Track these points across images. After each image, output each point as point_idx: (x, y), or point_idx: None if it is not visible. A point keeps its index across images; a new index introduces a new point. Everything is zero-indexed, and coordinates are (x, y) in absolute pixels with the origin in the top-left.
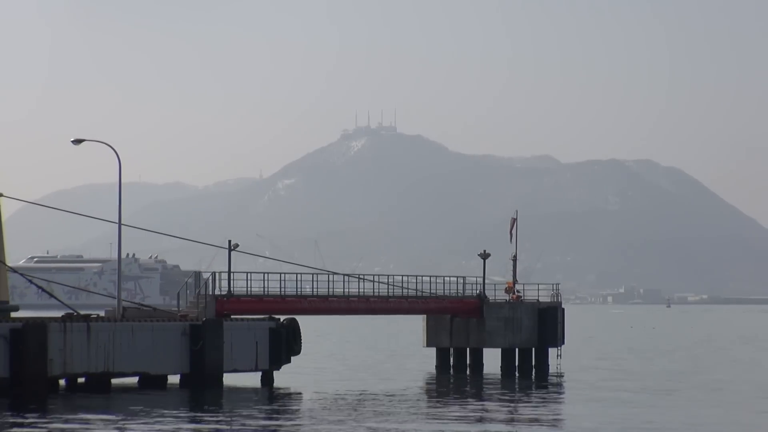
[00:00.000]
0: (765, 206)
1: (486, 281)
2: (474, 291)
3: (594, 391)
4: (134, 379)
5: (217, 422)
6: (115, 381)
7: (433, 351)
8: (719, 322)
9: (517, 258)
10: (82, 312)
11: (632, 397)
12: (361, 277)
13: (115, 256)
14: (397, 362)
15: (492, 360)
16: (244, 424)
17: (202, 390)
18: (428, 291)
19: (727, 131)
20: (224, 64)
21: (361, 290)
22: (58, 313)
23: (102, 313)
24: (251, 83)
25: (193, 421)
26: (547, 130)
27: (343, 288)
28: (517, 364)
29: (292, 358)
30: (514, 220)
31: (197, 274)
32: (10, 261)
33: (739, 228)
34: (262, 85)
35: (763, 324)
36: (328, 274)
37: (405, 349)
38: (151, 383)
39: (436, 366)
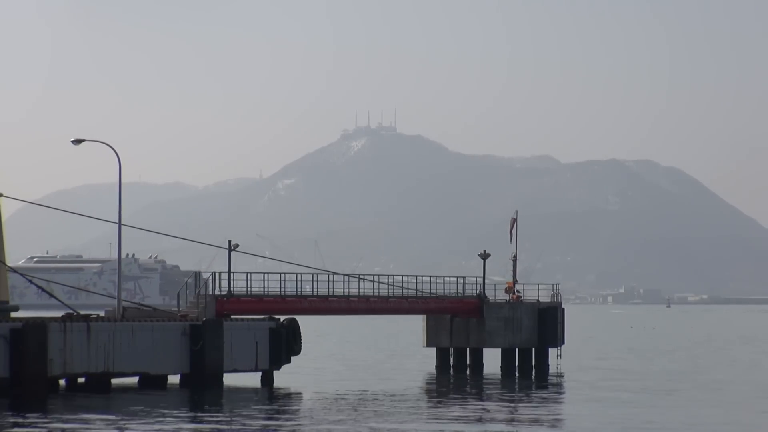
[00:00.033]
0: (765, 206)
1: (486, 281)
2: (474, 291)
3: (594, 391)
4: (134, 379)
5: (217, 422)
6: (115, 381)
7: (433, 351)
8: (719, 322)
9: (517, 258)
10: (82, 312)
11: (632, 397)
12: (361, 277)
13: (114, 256)
14: (397, 362)
15: (492, 360)
16: (244, 424)
17: (202, 390)
18: (428, 291)
19: (727, 131)
20: (224, 64)
21: (361, 290)
22: (58, 313)
23: (102, 313)
24: (251, 83)
25: (193, 421)
26: (547, 130)
27: (343, 288)
28: (517, 364)
29: (292, 358)
30: (514, 220)
31: (197, 274)
32: (10, 261)
33: (739, 228)
34: (262, 85)
35: (763, 324)
36: (328, 274)
37: (405, 349)
38: (151, 383)
39: (436, 366)
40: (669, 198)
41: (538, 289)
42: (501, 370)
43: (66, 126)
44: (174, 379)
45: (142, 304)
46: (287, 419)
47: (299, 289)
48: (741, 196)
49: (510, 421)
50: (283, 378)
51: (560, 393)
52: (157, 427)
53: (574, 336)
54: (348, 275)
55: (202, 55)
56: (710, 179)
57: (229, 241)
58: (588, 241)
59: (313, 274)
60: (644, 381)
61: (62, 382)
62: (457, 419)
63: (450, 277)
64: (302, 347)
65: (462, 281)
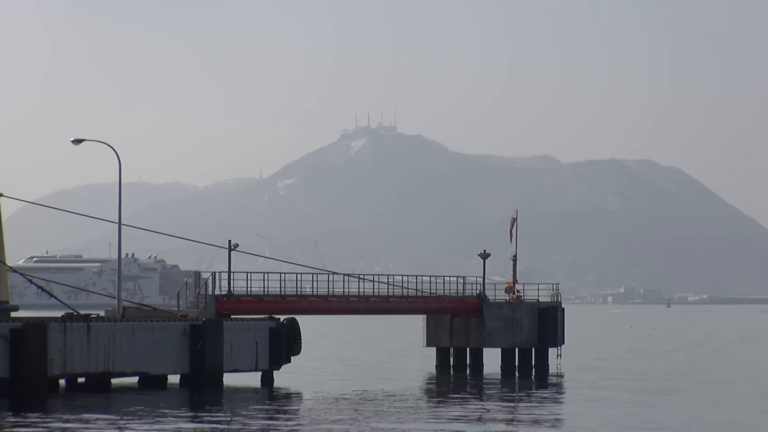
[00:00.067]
0: (765, 206)
1: (486, 281)
2: (474, 291)
3: (594, 391)
4: (134, 379)
5: (217, 422)
6: (115, 381)
7: (433, 351)
8: (719, 322)
9: (517, 258)
10: (82, 312)
11: (632, 397)
12: (361, 277)
13: (114, 256)
14: (397, 362)
15: (492, 360)
16: (244, 424)
17: (202, 390)
18: (428, 291)
19: (727, 131)
20: (224, 65)
21: (361, 290)
22: (58, 313)
23: (102, 313)
24: (251, 83)
25: (193, 421)
26: (547, 130)
27: (343, 288)
28: (517, 364)
29: (292, 358)
30: (514, 220)
31: (197, 274)
32: (10, 261)
33: (739, 228)
34: (262, 85)
35: (763, 324)
36: (328, 274)
37: (405, 349)
38: (151, 383)
39: (436, 366)
40: (669, 198)
41: (538, 289)
42: (501, 370)
43: (66, 126)
44: (174, 379)
45: (142, 304)
46: (287, 419)
47: (299, 289)
48: (741, 196)
49: (510, 421)
50: (283, 378)
51: (560, 393)
52: (157, 427)
53: (574, 336)
54: (348, 275)
55: (202, 55)
56: (710, 179)
57: (229, 241)
58: (588, 241)
59: (313, 274)
60: (644, 381)
61: (62, 382)
62: (457, 419)
63: (450, 277)
64: (302, 347)
65: (462, 281)
